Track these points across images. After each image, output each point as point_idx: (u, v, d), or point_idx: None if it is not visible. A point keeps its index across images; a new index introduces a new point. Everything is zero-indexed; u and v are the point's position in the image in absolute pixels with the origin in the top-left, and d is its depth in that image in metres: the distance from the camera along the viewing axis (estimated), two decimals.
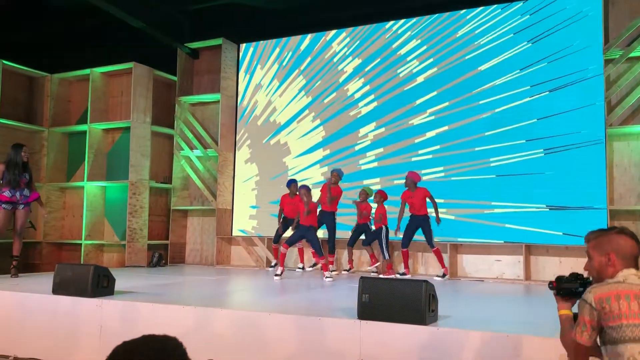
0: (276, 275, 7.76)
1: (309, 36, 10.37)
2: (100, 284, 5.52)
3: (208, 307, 4.91)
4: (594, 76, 7.98)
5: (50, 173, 10.84)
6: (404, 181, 8.19)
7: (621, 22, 8.07)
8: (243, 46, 11.03)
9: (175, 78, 11.06)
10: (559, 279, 2.71)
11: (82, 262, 9.85)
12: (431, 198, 8.01)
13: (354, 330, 4.20)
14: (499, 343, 3.74)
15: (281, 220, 9.00)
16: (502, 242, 8.27)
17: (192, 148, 10.84)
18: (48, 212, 9.44)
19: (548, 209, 8.11)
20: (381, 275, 7.98)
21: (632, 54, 7.80)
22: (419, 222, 7.99)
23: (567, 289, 2.66)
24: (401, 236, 8.12)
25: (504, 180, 8.44)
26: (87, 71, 10.74)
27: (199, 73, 11.38)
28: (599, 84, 7.94)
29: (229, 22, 10.92)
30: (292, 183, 8.95)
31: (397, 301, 4.10)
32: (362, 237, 8.60)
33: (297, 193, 8.26)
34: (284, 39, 10.62)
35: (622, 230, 2.58)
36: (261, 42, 10.85)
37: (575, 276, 2.69)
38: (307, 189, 7.96)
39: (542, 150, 8.24)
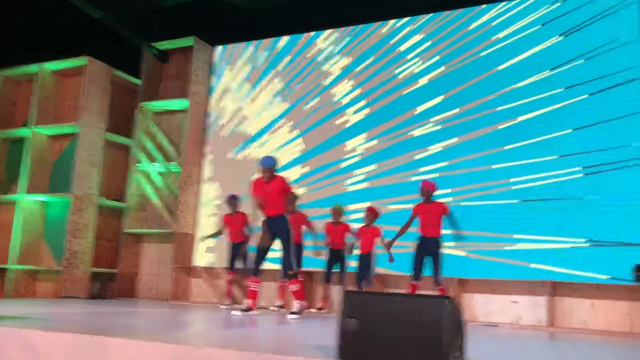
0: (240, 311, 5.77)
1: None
2: None
3: (103, 337, 3.12)
4: None
5: None
6: (400, 207, 6.24)
7: None
8: (219, 48, 9.21)
9: (139, 82, 9.21)
10: None
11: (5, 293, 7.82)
12: (450, 214, 6.01)
13: None
14: None
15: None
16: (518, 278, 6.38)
17: (152, 161, 8.90)
18: None
19: (589, 245, 6.12)
20: None
21: None
22: (433, 247, 5.96)
23: None
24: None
25: (530, 207, 6.48)
26: (34, 68, 8.87)
27: (167, 78, 9.52)
28: None
29: (205, 24, 9.21)
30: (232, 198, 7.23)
31: (402, 330, 2.37)
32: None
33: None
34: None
35: None
36: (233, 43, 9.05)
37: None
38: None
39: (580, 168, 6.29)
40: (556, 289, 6.29)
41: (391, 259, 6.22)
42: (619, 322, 5.93)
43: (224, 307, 6.94)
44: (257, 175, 5.88)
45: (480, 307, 6.65)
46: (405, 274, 6.57)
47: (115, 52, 9.31)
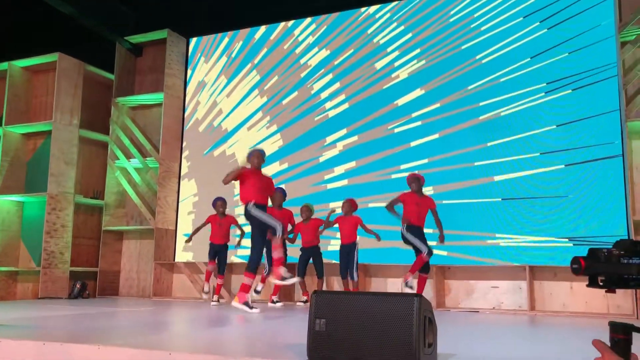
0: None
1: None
2: None
3: (72, 344, 2.91)
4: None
5: None
6: (380, 204, 5.98)
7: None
8: (194, 40, 8.78)
9: (112, 77, 8.77)
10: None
11: None
12: (436, 212, 5.85)
13: None
14: None
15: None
16: (498, 264, 6.19)
17: (129, 157, 8.51)
18: None
19: (572, 244, 5.91)
20: None
21: None
22: (418, 232, 5.77)
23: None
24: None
25: (512, 205, 6.24)
26: (4, 65, 8.38)
27: (141, 72, 9.09)
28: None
29: (178, 15, 8.75)
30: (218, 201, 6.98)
31: (371, 328, 2.31)
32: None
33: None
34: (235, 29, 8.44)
35: None
36: (209, 34, 8.63)
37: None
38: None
39: (563, 166, 6.06)
40: (536, 273, 6.13)
41: (378, 238, 6.05)
42: (596, 304, 5.80)
43: (204, 295, 6.88)
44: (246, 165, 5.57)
45: (461, 294, 6.48)
46: (388, 264, 6.41)
47: (88, 47, 8.85)
